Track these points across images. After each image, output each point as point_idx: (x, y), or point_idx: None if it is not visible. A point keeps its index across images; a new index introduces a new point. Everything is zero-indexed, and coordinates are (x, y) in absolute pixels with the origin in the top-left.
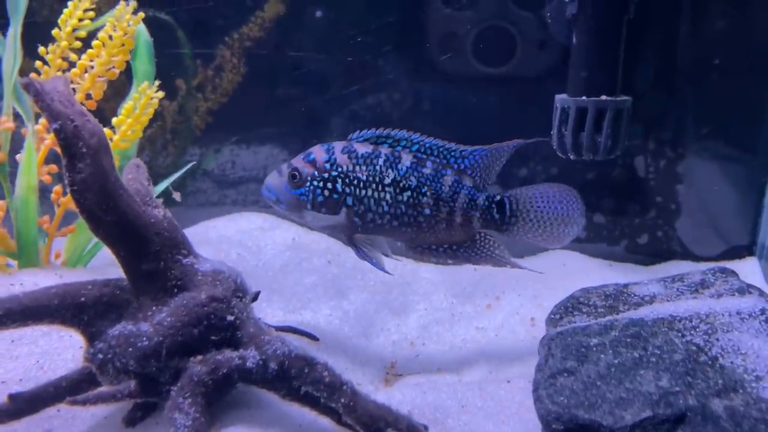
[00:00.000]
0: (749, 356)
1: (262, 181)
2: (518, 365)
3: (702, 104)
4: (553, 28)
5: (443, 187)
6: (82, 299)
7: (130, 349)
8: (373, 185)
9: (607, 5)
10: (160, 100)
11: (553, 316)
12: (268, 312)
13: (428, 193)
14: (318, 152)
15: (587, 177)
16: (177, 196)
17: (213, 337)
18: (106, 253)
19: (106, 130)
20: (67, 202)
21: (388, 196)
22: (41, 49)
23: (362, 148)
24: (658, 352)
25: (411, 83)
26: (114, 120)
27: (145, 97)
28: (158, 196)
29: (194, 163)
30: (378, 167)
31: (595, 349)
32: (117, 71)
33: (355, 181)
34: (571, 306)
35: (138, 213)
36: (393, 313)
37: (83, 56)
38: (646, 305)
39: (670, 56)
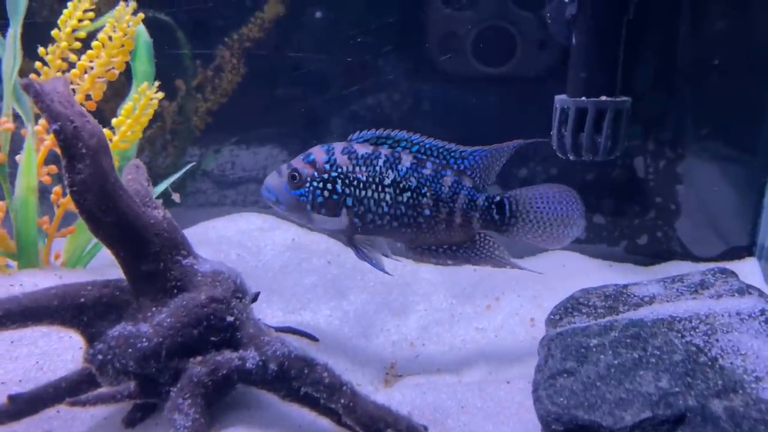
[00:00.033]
0: (749, 357)
1: (261, 181)
2: (518, 366)
3: (702, 105)
4: (553, 28)
5: (443, 188)
6: (82, 300)
7: (130, 350)
8: (373, 186)
9: (606, 6)
10: (160, 100)
11: (552, 317)
12: (268, 313)
13: (428, 194)
14: (318, 153)
15: (587, 177)
16: (176, 196)
17: (213, 338)
18: (105, 254)
19: (105, 130)
20: (67, 203)
21: (388, 197)
22: (41, 50)
23: (362, 149)
24: (658, 352)
25: (411, 83)
26: (113, 121)
27: (144, 98)
28: (158, 197)
29: (194, 163)
30: (378, 168)
31: (594, 349)
32: (116, 72)
33: (355, 182)
34: (570, 307)
35: (138, 214)
36: (393, 313)
37: (83, 57)
38: (645, 306)
39: (669, 57)
